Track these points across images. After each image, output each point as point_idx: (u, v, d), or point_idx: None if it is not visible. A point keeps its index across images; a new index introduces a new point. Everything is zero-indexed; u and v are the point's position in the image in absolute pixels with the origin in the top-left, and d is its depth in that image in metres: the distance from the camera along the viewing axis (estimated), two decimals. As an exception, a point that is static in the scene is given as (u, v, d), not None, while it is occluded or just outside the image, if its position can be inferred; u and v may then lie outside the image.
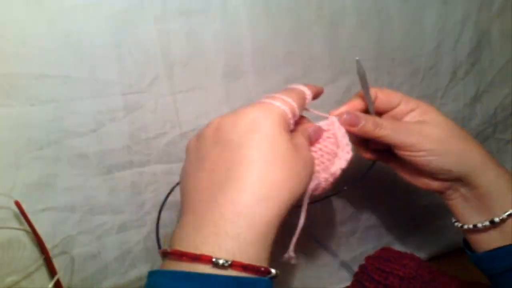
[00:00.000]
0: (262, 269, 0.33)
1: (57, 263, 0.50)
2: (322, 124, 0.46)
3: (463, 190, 0.47)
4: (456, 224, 0.49)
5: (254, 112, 0.38)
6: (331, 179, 0.43)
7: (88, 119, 0.48)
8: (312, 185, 0.40)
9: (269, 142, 0.36)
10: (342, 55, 0.59)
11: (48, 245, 0.49)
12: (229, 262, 0.31)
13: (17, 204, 0.46)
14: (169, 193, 0.52)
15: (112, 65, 0.48)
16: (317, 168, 0.43)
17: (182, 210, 0.38)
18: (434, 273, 0.63)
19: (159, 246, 0.52)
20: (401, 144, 0.45)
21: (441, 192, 0.49)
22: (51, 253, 0.49)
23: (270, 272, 0.34)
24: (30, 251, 0.49)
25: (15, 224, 0.47)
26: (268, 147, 0.36)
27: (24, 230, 0.48)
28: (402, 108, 0.47)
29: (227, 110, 0.53)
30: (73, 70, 0.46)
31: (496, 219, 0.44)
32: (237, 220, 0.33)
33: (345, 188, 0.53)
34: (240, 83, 0.54)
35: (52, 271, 0.49)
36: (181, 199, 0.40)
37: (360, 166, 0.52)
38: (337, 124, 0.45)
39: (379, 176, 0.68)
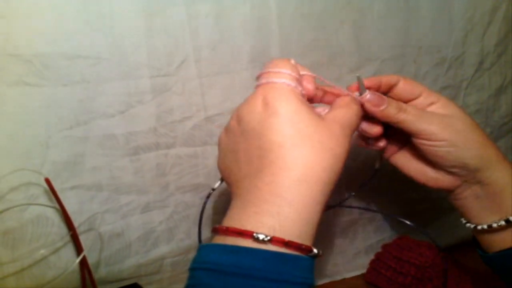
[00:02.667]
0: (303, 246, 0.34)
1: (83, 240, 0.51)
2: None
3: (475, 187, 0.45)
4: (467, 225, 0.48)
5: (264, 96, 0.38)
6: None
7: (116, 100, 0.49)
8: None
9: (291, 123, 0.36)
10: (369, 42, 0.58)
11: (75, 223, 0.50)
12: (269, 238, 0.33)
13: (47, 181, 0.47)
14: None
15: (142, 47, 0.48)
16: None
17: (231, 197, 0.39)
18: (450, 263, 0.64)
19: (200, 240, 0.52)
20: (422, 132, 0.44)
21: (450, 190, 0.47)
22: (77, 230, 0.50)
23: (311, 251, 0.35)
24: (58, 227, 0.50)
25: (44, 200, 0.49)
26: (290, 128, 0.36)
27: (53, 207, 0.49)
28: (422, 100, 0.46)
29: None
30: (104, 52, 0.47)
31: None
32: (276, 201, 0.35)
33: (352, 194, 0.53)
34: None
35: (78, 248, 0.50)
36: (228, 188, 0.41)
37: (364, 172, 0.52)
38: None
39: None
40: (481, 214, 0.46)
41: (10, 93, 0.45)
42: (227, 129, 0.41)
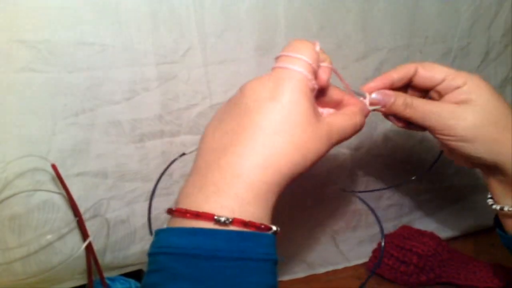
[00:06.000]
0: (263, 226, 0.35)
1: (88, 226, 0.51)
2: None
3: (497, 174, 0.46)
4: (488, 201, 0.48)
5: (275, 79, 0.36)
6: None
7: (122, 87, 0.49)
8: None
9: (284, 112, 0.35)
10: (375, 31, 0.58)
11: (81, 209, 0.51)
12: (230, 220, 0.33)
13: (54, 167, 0.47)
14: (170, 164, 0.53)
15: (148, 35, 0.48)
16: None
17: (191, 170, 0.38)
18: (452, 253, 0.64)
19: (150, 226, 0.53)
20: (433, 127, 0.44)
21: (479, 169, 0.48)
22: (83, 217, 0.51)
23: (270, 229, 0.35)
24: (64, 213, 0.50)
25: (50, 187, 0.49)
26: (280, 116, 0.35)
27: (59, 193, 0.49)
28: (447, 84, 0.44)
29: (258, 84, 0.54)
30: (110, 39, 0.47)
31: None
32: (236, 182, 0.34)
33: (413, 178, 0.52)
34: (272, 56, 0.53)
35: (84, 234, 0.51)
36: (195, 158, 0.39)
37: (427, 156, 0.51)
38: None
39: (402, 156, 0.68)
40: (501, 196, 0.46)
41: (16, 79, 0.45)
42: (231, 97, 0.40)
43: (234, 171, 0.34)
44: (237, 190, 0.34)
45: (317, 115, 0.37)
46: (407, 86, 0.48)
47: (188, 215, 0.34)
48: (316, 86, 0.38)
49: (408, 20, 0.59)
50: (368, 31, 0.57)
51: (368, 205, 0.43)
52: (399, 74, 0.45)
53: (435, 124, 0.43)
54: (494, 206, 0.47)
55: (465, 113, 0.43)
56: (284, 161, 0.35)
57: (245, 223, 0.34)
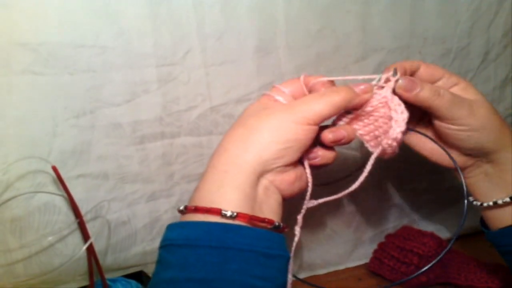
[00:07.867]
0: (266, 219, 0.38)
1: (89, 228, 0.52)
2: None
3: (486, 166, 0.47)
4: (474, 203, 0.49)
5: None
6: (394, 143, 0.43)
7: (123, 89, 0.49)
8: (378, 152, 0.44)
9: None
10: (375, 32, 0.58)
11: (82, 210, 0.51)
12: (235, 214, 0.36)
13: (54, 169, 0.47)
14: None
15: (148, 37, 0.48)
16: (377, 133, 0.44)
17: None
18: (452, 253, 0.64)
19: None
20: (453, 117, 0.44)
21: (461, 170, 0.48)
22: (84, 218, 0.51)
23: (273, 223, 0.39)
24: (65, 215, 0.51)
25: (51, 188, 0.49)
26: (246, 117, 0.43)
27: (60, 195, 0.49)
28: (444, 82, 0.47)
29: (258, 85, 0.55)
30: (110, 41, 0.47)
31: None
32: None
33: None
34: (272, 58, 0.54)
35: (85, 235, 0.51)
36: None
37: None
38: (388, 89, 0.44)
39: (403, 156, 0.68)
40: (488, 192, 0.48)
41: (17, 81, 0.45)
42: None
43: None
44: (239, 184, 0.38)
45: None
46: None
47: (199, 211, 0.38)
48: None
49: (408, 21, 0.59)
50: (368, 32, 0.58)
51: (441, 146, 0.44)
52: (409, 65, 0.46)
53: (456, 113, 0.44)
54: (474, 203, 0.49)
55: (475, 105, 0.45)
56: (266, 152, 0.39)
57: (249, 217, 0.37)
